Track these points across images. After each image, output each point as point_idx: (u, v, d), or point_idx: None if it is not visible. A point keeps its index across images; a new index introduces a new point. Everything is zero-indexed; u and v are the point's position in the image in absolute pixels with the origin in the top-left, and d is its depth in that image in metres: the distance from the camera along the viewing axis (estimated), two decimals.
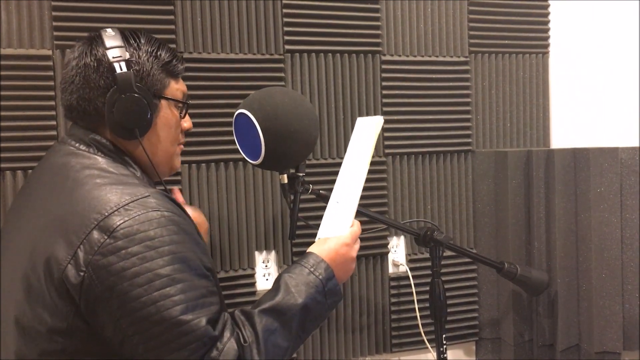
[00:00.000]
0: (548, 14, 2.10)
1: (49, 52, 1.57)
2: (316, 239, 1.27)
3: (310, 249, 1.21)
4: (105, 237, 0.96)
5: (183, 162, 1.68)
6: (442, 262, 1.59)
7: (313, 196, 1.47)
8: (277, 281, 1.13)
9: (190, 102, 1.26)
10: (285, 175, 1.41)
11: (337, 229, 1.26)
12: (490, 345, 2.03)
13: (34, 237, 1.03)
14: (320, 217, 1.75)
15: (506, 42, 2.05)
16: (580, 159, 1.82)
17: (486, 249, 2.01)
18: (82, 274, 0.96)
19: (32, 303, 1.00)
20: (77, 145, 1.12)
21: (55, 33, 1.57)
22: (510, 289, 1.94)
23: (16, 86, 1.55)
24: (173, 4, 1.67)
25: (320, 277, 1.14)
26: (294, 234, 1.43)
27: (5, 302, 1.06)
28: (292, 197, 1.43)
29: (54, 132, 1.57)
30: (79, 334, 0.99)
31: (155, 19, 1.65)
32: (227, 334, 1.01)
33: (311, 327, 1.15)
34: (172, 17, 1.67)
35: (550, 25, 2.11)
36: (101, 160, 1.10)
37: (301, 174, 1.41)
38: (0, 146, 1.53)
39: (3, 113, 1.53)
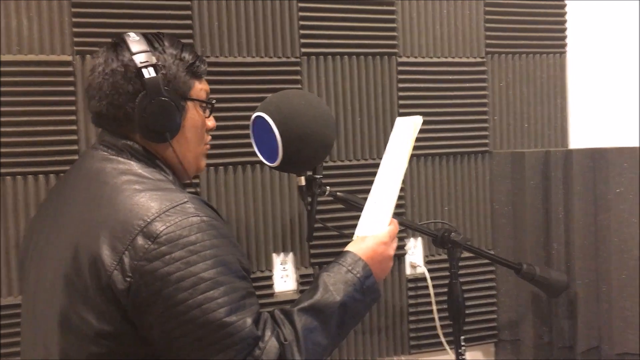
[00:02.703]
0: (565, 13, 2.08)
1: (70, 58, 1.60)
2: (354, 237, 1.28)
3: (348, 247, 1.23)
4: (150, 242, 0.98)
5: None
6: (460, 264, 1.58)
7: (330, 198, 1.48)
8: (316, 280, 1.15)
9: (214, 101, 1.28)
10: (303, 178, 1.42)
11: (375, 228, 1.27)
12: (509, 347, 2.02)
13: (76, 243, 1.04)
14: (337, 219, 1.77)
15: (523, 42, 2.04)
16: (599, 159, 1.80)
17: (504, 250, 2.00)
18: (128, 279, 0.97)
19: (77, 306, 1.01)
20: (110, 151, 1.13)
21: (75, 39, 1.60)
22: (529, 290, 1.93)
23: (38, 92, 1.57)
24: (190, 9, 1.69)
25: (358, 275, 1.16)
26: (312, 235, 1.44)
27: (46, 304, 1.08)
28: (309, 199, 1.44)
29: (75, 137, 1.60)
30: (126, 337, 1.01)
31: (173, 23, 1.67)
32: (268, 332, 1.03)
33: (350, 325, 1.17)
34: (189, 21, 1.69)
35: (568, 24, 2.09)
36: (135, 165, 1.11)
37: (318, 176, 1.42)
38: (22, 151, 1.56)
39: (25, 118, 1.56)
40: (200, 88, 1.21)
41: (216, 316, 0.97)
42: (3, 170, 1.55)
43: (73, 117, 1.60)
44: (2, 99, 1.54)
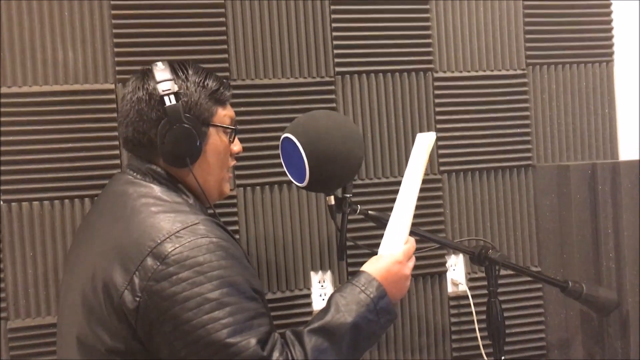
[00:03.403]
0: (611, 20, 2.01)
1: (112, 86, 1.68)
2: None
3: (363, 267, 1.23)
4: (158, 263, 1.02)
5: (238, 186, 1.73)
6: (506, 282, 1.54)
7: (362, 216, 1.47)
8: (329, 301, 1.15)
9: (245, 127, 1.30)
10: (332, 197, 1.42)
11: (391, 247, 1.26)
12: None
13: (95, 262, 1.09)
14: (369, 237, 1.76)
15: (566, 52, 1.98)
16: None
17: (551, 267, 1.93)
18: (137, 299, 1.01)
19: (92, 324, 1.06)
20: (134, 174, 1.19)
21: (117, 68, 1.67)
22: (578, 308, 1.85)
23: (83, 119, 1.65)
24: (226, 34, 1.74)
25: (372, 295, 1.15)
26: (343, 254, 1.43)
27: (68, 321, 1.14)
28: (340, 218, 1.44)
29: (117, 161, 1.67)
30: (136, 354, 1.05)
31: (210, 49, 1.72)
32: (276, 354, 1.03)
33: (365, 346, 1.16)
34: (225, 46, 1.73)
35: (614, 30, 2.01)
36: (156, 189, 1.16)
37: (348, 195, 1.42)
38: (68, 176, 1.64)
39: (71, 145, 1.65)
40: (224, 114, 1.25)
41: (219, 336, 0.99)
42: (51, 195, 1.63)
43: (115, 143, 1.67)
44: (50, 127, 1.63)
